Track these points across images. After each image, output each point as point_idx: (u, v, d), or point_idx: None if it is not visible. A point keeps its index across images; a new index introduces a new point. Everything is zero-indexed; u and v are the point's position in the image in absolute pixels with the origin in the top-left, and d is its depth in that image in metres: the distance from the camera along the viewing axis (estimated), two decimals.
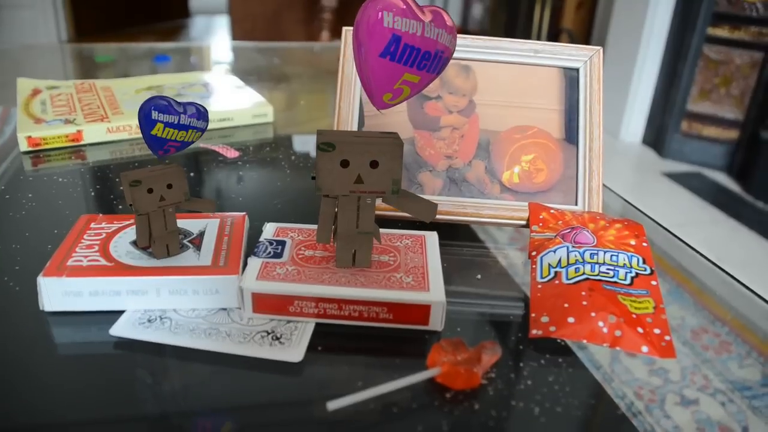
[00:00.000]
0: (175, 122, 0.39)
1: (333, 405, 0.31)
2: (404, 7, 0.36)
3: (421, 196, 0.39)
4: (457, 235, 0.54)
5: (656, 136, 2.17)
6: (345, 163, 0.36)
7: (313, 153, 0.71)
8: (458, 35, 0.56)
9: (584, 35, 2.61)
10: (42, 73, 1.02)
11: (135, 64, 1.08)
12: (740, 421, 0.49)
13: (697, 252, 0.57)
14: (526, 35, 2.56)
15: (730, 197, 1.94)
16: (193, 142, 0.41)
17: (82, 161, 0.64)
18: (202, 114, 0.40)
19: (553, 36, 2.55)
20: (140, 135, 0.68)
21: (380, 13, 0.35)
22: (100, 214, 0.46)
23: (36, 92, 0.76)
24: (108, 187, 0.58)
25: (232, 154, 0.66)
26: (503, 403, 0.34)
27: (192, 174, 0.61)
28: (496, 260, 0.53)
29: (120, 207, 0.54)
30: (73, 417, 0.32)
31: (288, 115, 0.82)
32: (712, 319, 0.53)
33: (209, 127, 0.71)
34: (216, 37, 4.23)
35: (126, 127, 0.68)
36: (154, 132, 0.38)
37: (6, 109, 0.80)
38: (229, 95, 0.79)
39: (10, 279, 0.42)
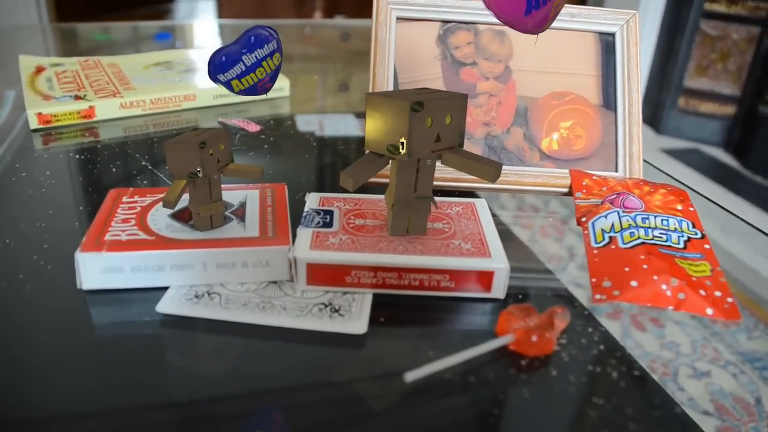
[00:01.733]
0: (243, 69, 0.36)
1: (411, 376, 0.30)
2: None
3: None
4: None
5: (653, 113, 2.17)
6: (429, 122, 0.34)
7: (333, 131, 0.68)
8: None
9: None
10: (35, 52, 0.98)
11: (135, 43, 1.04)
12: (753, 391, 0.48)
13: (713, 199, 0.56)
14: None
15: (728, 172, 1.94)
16: (280, 65, 0.37)
17: (96, 138, 0.61)
18: (260, 39, 0.36)
19: None
20: (155, 110, 0.66)
21: None
22: (131, 189, 0.43)
23: (40, 69, 0.72)
24: (129, 162, 0.56)
25: (253, 128, 0.63)
26: (581, 368, 0.33)
27: None
28: (534, 228, 0.51)
29: (145, 183, 0.52)
30: (120, 403, 0.30)
31: (300, 92, 0.80)
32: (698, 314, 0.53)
33: (225, 102, 0.69)
34: (201, 19, 4.14)
35: (140, 102, 0.65)
36: (237, 90, 0.36)
37: (0, 92, 0.76)
38: None
39: (40, 257, 0.40)
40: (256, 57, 0.36)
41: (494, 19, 0.54)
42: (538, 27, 0.36)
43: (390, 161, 0.36)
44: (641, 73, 0.55)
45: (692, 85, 2.09)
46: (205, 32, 1.18)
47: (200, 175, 0.35)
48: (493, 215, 0.43)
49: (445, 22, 0.53)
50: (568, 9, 0.54)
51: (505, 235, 0.48)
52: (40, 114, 0.60)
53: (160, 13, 4.22)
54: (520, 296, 0.38)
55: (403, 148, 0.33)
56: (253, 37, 0.36)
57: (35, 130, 0.61)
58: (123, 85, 0.68)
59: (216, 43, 1.09)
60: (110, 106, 0.64)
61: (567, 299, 0.40)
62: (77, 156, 0.56)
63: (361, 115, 0.76)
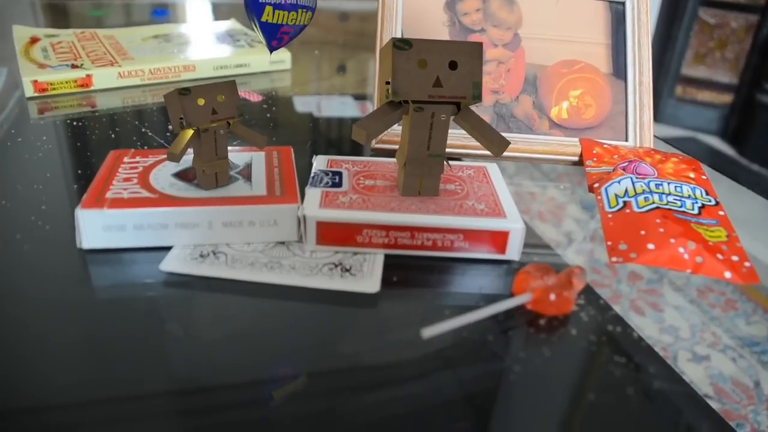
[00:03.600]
0: (283, 1, 0.36)
1: (428, 332, 0.29)
2: None
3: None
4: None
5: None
6: (422, 64, 0.33)
7: (330, 112, 0.67)
8: None
9: None
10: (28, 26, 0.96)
11: (131, 19, 1.02)
12: (752, 375, 0.48)
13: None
14: None
15: (725, 161, 1.94)
16: (305, 26, 0.37)
17: (93, 107, 0.59)
18: None
19: None
20: (154, 80, 0.64)
21: None
22: (132, 150, 0.42)
23: (34, 40, 0.70)
24: (128, 129, 0.54)
25: (255, 98, 0.62)
26: (600, 328, 0.32)
27: None
28: (542, 193, 0.50)
29: (145, 147, 0.50)
30: (121, 367, 0.28)
31: (298, 72, 0.78)
32: (716, 278, 0.52)
33: (226, 73, 0.68)
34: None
35: (139, 71, 0.63)
36: (264, 18, 0.36)
37: None
38: (242, 42, 0.75)
39: (38, 218, 0.38)
40: (297, 0, 0.37)
41: None
42: None
43: (403, 116, 0.35)
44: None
45: (690, 74, 2.09)
46: (201, 10, 1.16)
47: (184, 124, 0.34)
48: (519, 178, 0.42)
49: None
50: None
51: (537, 198, 0.47)
52: (35, 81, 0.59)
53: None
54: (535, 258, 0.37)
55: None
56: None
57: (31, 98, 0.59)
58: (121, 55, 0.66)
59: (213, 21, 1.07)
60: (108, 75, 0.62)
61: (588, 257, 0.39)
62: (75, 123, 0.54)
63: (358, 97, 0.74)
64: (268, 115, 0.59)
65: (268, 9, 0.36)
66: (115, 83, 0.62)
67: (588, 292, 0.35)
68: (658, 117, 2.13)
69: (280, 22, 0.36)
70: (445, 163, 0.36)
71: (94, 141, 0.51)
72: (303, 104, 0.66)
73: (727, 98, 2.04)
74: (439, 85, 0.33)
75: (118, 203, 0.35)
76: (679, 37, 2.05)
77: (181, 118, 0.34)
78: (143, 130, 0.53)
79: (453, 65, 0.33)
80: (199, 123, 0.34)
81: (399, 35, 0.51)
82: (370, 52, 0.91)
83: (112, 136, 0.52)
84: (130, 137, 0.52)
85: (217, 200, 0.36)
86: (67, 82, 0.60)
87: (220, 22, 0.85)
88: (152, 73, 0.64)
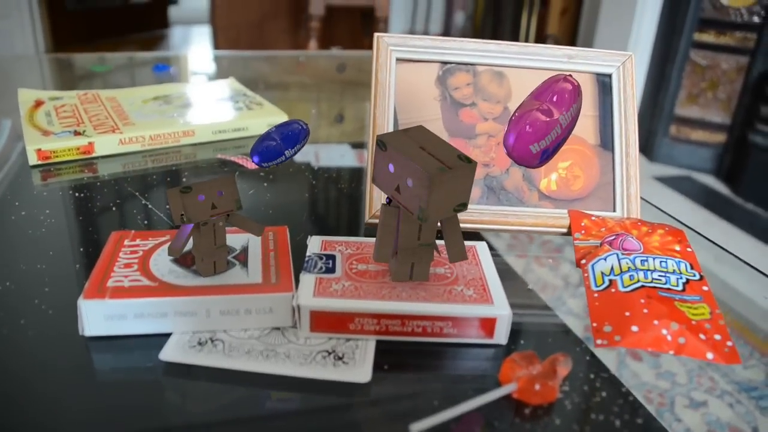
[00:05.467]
0: (283, 159, 0.42)
1: (416, 427, 0.30)
2: (545, 124, 0.40)
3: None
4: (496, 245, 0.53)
5: (645, 141, 2.20)
6: (390, 167, 0.34)
7: (329, 161, 0.69)
8: (492, 42, 0.55)
9: (570, 41, 2.64)
10: (33, 84, 0.98)
11: (133, 74, 1.05)
12: (749, 421, 0.48)
13: (708, 237, 0.57)
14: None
15: (720, 200, 1.96)
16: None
17: (95, 174, 0.61)
18: (298, 134, 0.42)
19: (540, 42, 2.57)
20: (154, 146, 0.66)
21: (529, 148, 0.39)
22: (132, 231, 0.43)
23: (39, 103, 0.73)
24: (128, 201, 0.56)
25: (251, 165, 0.63)
26: (584, 417, 0.33)
27: None
28: (533, 268, 0.52)
29: (146, 222, 0.52)
30: None
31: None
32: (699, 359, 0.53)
33: (224, 137, 0.70)
34: (197, 47, 4.18)
35: (139, 138, 0.65)
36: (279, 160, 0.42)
37: None
38: (240, 104, 0.77)
39: (41, 302, 0.40)
40: (294, 151, 0.42)
41: (493, 60, 0.55)
42: (543, 165, 0.42)
43: (385, 209, 0.36)
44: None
45: (683, 113, 2.13)
46: (202, 64, 1.19)
47: (185, 220, 0.35)
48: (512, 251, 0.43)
49: (445, 63, 0.54)
50: (566, 51, 0.55)
51: (529, 274, 0.48)
52: (39, 150, 0.61)
53: (155, 39, 4.26)
54: (522, 341, 0.38)
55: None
56: (292, 132, 0.42)
57: (34, 166, 0.61)
58: (122, 120, 0.69)
59: (213, 74, 1.10)
60: (109, 141, 0.64)
61: (575, 340, 0.40)
62: (77, 194, 0.56)
63: (356, 146, 0.77)
64: (262, 173, 0.61)
65: (272, 165, 0.42)
66: (116, 150, 0.64)
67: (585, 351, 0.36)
68: (653, 156, 2.16)
69: (283, 161, 0.43)
70: (435, 251, 0.38)
71: (95, 214, 0.53)
72: (300, 153, 0.68)
73: (720, 137, 2.08)
74: (398, 192, 0.35)
75: (119, 293, 0.36)
76: (672, 77, 2.09)
77: (182, 214, 0.35)
78: (144, 202, 0.55)
79: (409, 183, 0.34)
80: (200, 218, 0.36)
81: (392, 110, 0.53)
82: (367, 101, 0.94)
83: (113, 209, 0.54)
84: (131, 209, 0.54)
85: (215, 289, 0.37)
86: (69, 150, 0.62)
87: (219, 82, 0.88)
88: (152, 139, 0.66)
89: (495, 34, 2.77)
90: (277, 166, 0.42)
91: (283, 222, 0.46)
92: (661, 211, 0.63)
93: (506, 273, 0.48)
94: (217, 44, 2.87)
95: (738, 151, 2.01)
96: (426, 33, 3.77)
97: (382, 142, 0.35)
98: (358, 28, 2.88)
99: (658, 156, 2.16)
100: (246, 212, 0.55)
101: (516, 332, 0.39)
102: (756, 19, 1.97)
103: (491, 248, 0.44)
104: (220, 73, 1.09)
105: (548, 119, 0.41)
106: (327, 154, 0.74)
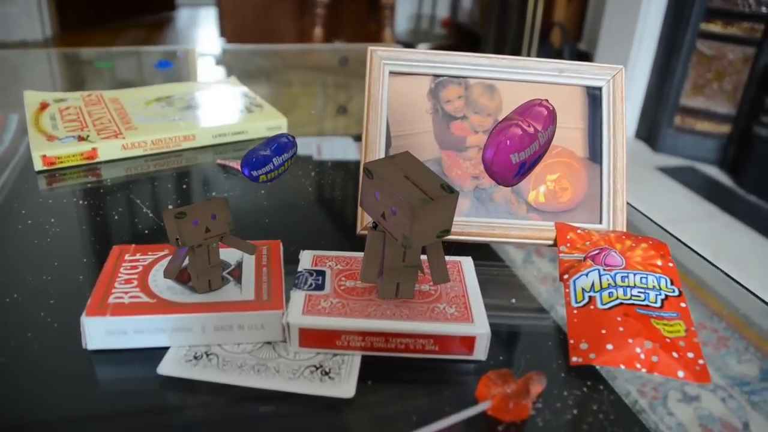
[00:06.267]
0: (272, 167, 0.43)
1: None
2: (526, 136, 0.40)
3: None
4: (483, 254, 0.55)
5: (649, 131, 2.19)
6: (376, 195, 0.36)
7: (331, 154, 0.71)
8: (483, 55, 0.56)
9: (577, 29, 2.62)
10: (39, 78, 1.00)
11: (136, 71, 1.06)
12: (741, 416, 0.50)
13: (692, 250, 0.58)
14: (519, 29, 2.57)
15: (722, 191, 1.97)
16: (291, 163, 0.45)
17: (98, 179, 0.63)
18: (285, 145, 0.44)
19: (546, 30, 2.56)
20: (156, 150, 0.68)
21: (510, 157, 0.40)
22: (133, 245, 0.45)
23: (44, 106, 0.74)
24: (131, 208, 0.58)
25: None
26: None
27: (214, 193, 0.61)
28: (518, 279, 0.53)
29: (146, 232, 0.54)
30: None
31: (296, 122, 0.82)
32: (710, 314, 0.54)
33: (223, 141, 0.71)
34: (204, 30, 4.17)
35: (141, 143, 0.67)
36: (260, 181, 0.43)
37: (3, 117, 0.79)
38: (240, 106, 0.79)
39: (47, 314, 0.42)
40: (282, 160, 0.43)
41: (484, 74, 0.56)
42: (519, 182, 0.43)
43: (371, 232, 0.38)
44: (637, 90, 0.58)
45: (688, 104, 2.12)
46: (205, 58, 1.20)
47: (179, 244, 0.37)
48: (501, 262, 0.45)
49: (437, 76, 0.56)
50: (556, 64, 0.56)
51: (512, 286, 0.50)
52: (44, 156, 0.63)
53: (162, 22, 4.25)
54: (501, 357, 0.40)
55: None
56: (277, 144, 0.44)
57: (40, 172, 0.63)
58: (125, 123, 0.70)
59: (216, 66, 1.12)
60: (112, 147, 0.66)
61: (553, 356, 0.42)
62: (81, 201, 0.58)
63: (358, 139, 0.78)
64: (262, 191, 0.63)
65: (262, 177, 0.43)
66: (119, 154, 0.66)
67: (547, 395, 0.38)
68: (657, 146, 2.16)
69: (274, 176, 0.43)
70: (419, 272, 0.40)
71: (99, 222, 0.55)
72: (303, 146, 0.69)
73: (725, 128, 2.07)
74: (384, 219, 0.36)
75: (120, 310, 0.38)
76: (678, 67, 2.08)
77: (177, 238, 0.37)
78: (144, 210, 0.57)
79: (393, 211, 0.35)
80: (194, 242, 0.38)
81: (384, 124, 0.54)
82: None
83: (116, 217, 0.56)
84: (133, 217, 0.56)
85: (210, 306, 0.39)
86: (73, 156, 0.64)
87: (220, 82, 0.89)
88: (154, 144, 0.68)
89: (501, 19, 2.75)
90: (270, 181, 0.44)
91: (278, 231, 0.48)
92: (649, 219, 0.65)
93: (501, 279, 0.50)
94: (223, 28, 2.87)
95: (742, 143, 2.01)
96: (433, 17, 3.75)
97: (368, 171, 0.36)
98: (365, 13, 2.87)
99: (662, 146, 2.16)
100: (246, 212, 0.57)
101: (494, 346, 0.41)
102: (764, 9, 1.95)
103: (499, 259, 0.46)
104: (225, 69, 1.10)
105: (528, 132, 0.41)
106: (329, 146, 0.76)
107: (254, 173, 0.42)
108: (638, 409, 0.39)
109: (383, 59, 0.55)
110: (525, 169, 0.42)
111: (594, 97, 0.57)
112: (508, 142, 0.41)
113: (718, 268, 0.57)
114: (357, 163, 0.72)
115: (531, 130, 0.41)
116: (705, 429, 0.42)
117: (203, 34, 4.05)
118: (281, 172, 0.43)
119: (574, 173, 0.55)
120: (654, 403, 0.43)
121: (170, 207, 0.38)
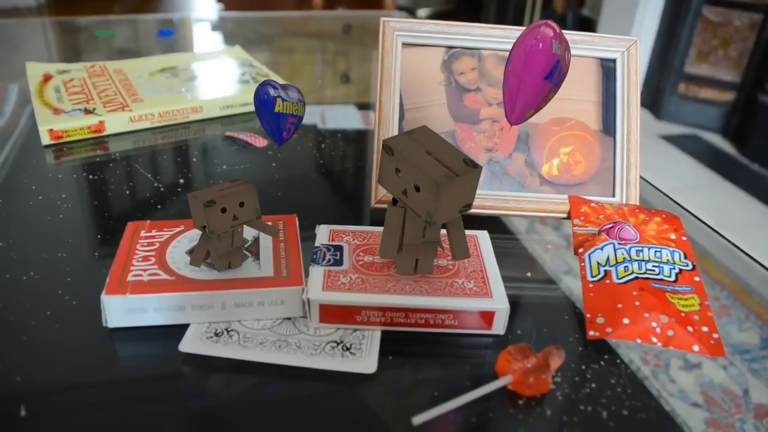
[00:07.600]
0: (286, 96, 0.42)
1: (419, 419, 0.32)
2: (560, 33, 0.40)
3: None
4: (488, 225, 0.55)
5: (653, 98, 2.17)
6: (397, 172, 0.36)
7: (335, 123, 0.70)
8: (497, 27, 0.55)
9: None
10: (37, 48, 0.98)
11: (137, 39, 1.04)
12: (741, 383, 0.51)
13: (696, 217, 0.58)
14: None
15: (726, 160, 1.96)
16: (302, 117, 0.44)
17: (107, 152, 0.62)
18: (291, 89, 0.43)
19: (548, 4, 2.51)
20: (163, 123, 0.67)
21: (551, 41, 0.39)
22: (148, 222, 0.45)
23: (47, 78, 0.73)
24: (141, 182, 0.57)
25: (260, 143, 0.65)
26: (573, 408, 0.35)
27: (224, 167, 0.61)
28: (526, 250, 0.53)
29: (159, 207, 0.54)
30: None
31: (301, 83, 0.81)
32: (712, 283, 0.55)
33: (232, 112, 0.70)
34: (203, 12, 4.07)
35: (148, 116, 0.66)
36: (277, 110, 0.41)
37: (3, 86, 0.78)
38: (246, 76, 0.78)
39: (65, 292, 0.42)
40: (288, 96, 0.42)
41: (498, 45, 0.55)
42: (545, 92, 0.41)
43: (390, 208, 0.38)
44: (642, 57, 0.57)
45: (693, 71, 2.10)
46: (207, 27, 1.18)
47: (207, 232, 0.37)
48: (512, 234, 0.45)
49: (450, 48, 0.55)
50: (570, 36, 0.55)
51: (527, 258, 0.50)
52: (51, 130, 0.62)
53: None
54: (519, 332, 0.41)
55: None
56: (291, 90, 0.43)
57: (47, 146, 0.62)
58: (131, 95, 0.69)
59: (218, 35, 1.10)
60: (120, 120, 0.65)
61: (570, 330, 0.42)
62: (90, 176, 0.58)
63: (362, 107, 0.78)
64: (273, 164, 0.62)
65: (279, 101, 0.40)
66: (126, 127, 0.65)
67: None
68: (660, 114, 2.14)
69: (288, 112, 0.40)
70: (438, 248, 0.40)
71: (110, 197, 0.55)
72: (307, 115, 0.69)
73: (729, 96, 2.05)
74: (405, 195, 0.36)
75: (139, 288, 0.38)
76: (683, 34, 2.05)
77: (204, 226, 0.37)
78: (156, 184, 0.57)
79: (417, 188, 0.35)
80: (221, 230, 0.37)
81: (398, 96, 0.53)
82: (373, 62, 0.95)
83: (127, 192, 0.56)
84: (144, 191, 0.56)
85: (230, 283, 0.39)
86: (81, 129, 0.63)
87: (225, 51, 0.87)
88: (162, 116, 0.67)
89: None
90: (278, 118, 0.42)
91: (291, 204, 0.48)
92: (662, 192, 0.64)
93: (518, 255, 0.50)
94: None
95: (746, 111, 2.00)
96: None
97: (388, 147, 0.36)
98: None
99: (665, 114, 2.14)
100: (257, 185, 0.57)
101: (512, 321, 0.41)
102: None
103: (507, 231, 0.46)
104: (226, 37, 1.08)
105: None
106: (333, 115, 0.75)
107: (273, 92, 0.42)
108: (641, 377, 0.40)
109: (396, 30, 0.54)
110: (556, 71, 0.40)
111: (608, 69, 0.56)
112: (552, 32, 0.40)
113: (721, 235, 0.57)
114: (363, 133, 0.71)
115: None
116: (706, 396, 0.43)
117: (199, 1, 3.96)
118: (295, 113, 0.42)
119: (587, 146, 0.55)
120: (656, 371, 0.44)
121: (195, 192, 0.37)
